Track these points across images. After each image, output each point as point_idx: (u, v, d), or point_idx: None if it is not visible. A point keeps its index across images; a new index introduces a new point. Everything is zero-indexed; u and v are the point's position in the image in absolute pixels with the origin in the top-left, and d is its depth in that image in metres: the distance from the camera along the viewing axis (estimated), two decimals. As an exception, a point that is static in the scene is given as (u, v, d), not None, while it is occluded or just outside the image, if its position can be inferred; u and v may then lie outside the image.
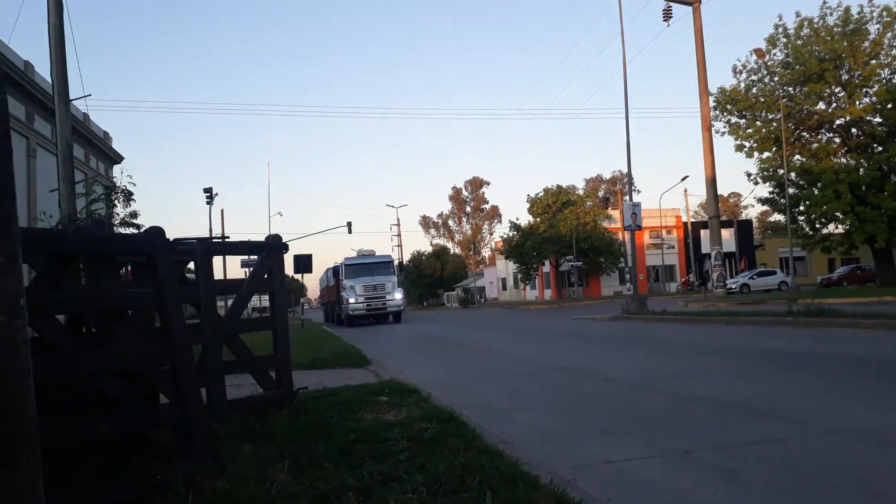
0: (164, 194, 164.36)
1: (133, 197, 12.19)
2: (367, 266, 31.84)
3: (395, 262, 33.60)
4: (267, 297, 6.26)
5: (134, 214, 12.08)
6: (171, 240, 4.86)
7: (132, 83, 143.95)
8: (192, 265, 5.48)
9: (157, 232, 4.71)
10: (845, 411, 5.03)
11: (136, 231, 10.93)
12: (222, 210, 50.20)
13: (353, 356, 10.98)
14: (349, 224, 46.43)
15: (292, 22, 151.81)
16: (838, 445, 4.08)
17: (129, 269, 5.45)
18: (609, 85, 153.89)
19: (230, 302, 6.04)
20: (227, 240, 6.41)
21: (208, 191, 41.95)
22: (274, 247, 5.88)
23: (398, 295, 32.15)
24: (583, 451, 4.33)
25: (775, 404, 5.46)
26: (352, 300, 30.60)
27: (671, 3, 28.02)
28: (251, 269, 6.58)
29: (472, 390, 7.60)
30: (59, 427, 3.69)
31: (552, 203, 57.51)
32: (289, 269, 28.46)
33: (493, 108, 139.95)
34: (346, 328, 29.12)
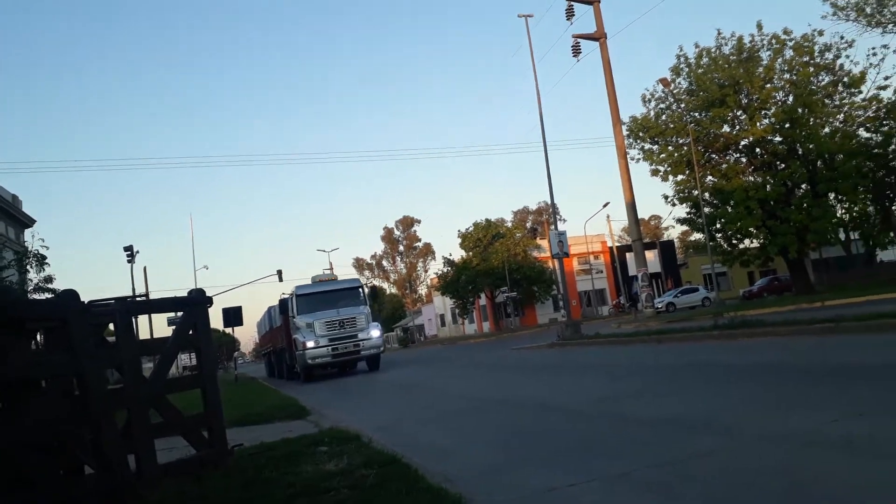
0: (82, 256, 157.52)
1: (47, 261, 11.66)
2: (327, 295, 22.46)
3: (367, 288, 24.02)
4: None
5: (49, 279, 11.54)
6: (86, 302, 4.66)
7: (42, 144, 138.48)
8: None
9: (70, 295, 4.51)
10: (772, 418, 5.22)
11: (52, 296, 10.39)
12: (145, 268, 48.50)
13: (292, 408, 10.69)
14: (279, 272, 45.01)
15: (208, 70, 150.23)
16: (768, 452, 4.22)
17: (43, 336, 5.18)
18: (529, 119, 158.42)
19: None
20: (145, 298, 6.20)
21: (129, 249, 40.51)
22: (197, 301, 5.72)
23: (375, 332, 22.16)
24: (524, 482, 4.32)
25: (707, 417, 5.62)
26: (310, 344, 21.04)
27: (579, 39, 29.27)
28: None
29: (415, 431, 7.51)
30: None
31: (483, 237, 58.29)
32: (219, 323, 27.45)
33: (418, 147, 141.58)
34: (300, 384, 21.45)
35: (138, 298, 6.75)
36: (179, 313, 6.49)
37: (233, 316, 25.55)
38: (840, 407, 5.11)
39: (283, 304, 23.85)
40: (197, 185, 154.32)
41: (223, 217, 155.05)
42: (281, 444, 6.43)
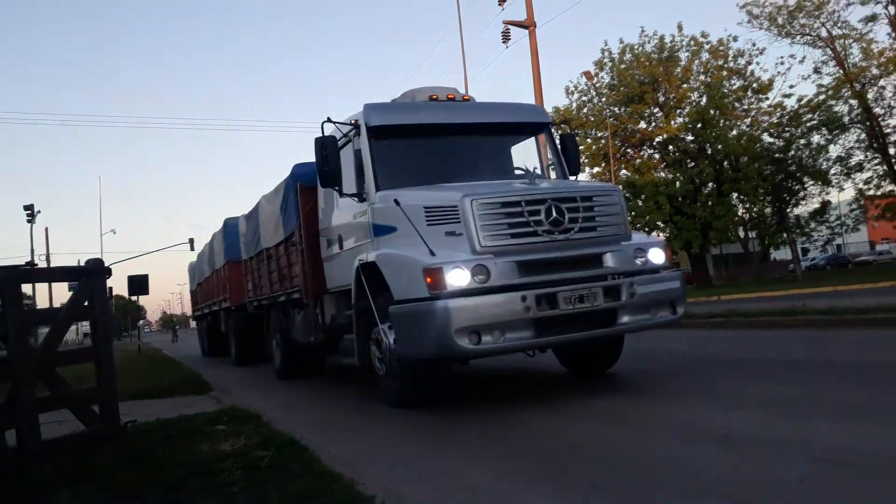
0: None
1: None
2: (466, 140, 7.38)
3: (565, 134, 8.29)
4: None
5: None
6: (-33, 269, 4.38)
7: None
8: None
9: (-51, 260, 4.23)
10: (657, 411, 5.49)
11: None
12: (46, 229, 45.82)
13: (194, 383, 10.38)
14: (191, 241, 42.84)
15: (117, 33, 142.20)
16: (652, 444, 4.45)
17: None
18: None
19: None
20: (35, 265, 5.88)
21: (29, 208, 38.18)
22: (94, 272, 5.46)
23: (658, 252, 6.29)
24: (426, 465, 4.38)
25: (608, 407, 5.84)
26: (458, 276, 5.36)
27: (510, 26, 29.45)
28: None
29: (318, 409, 7.48)
30: None
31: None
32: (124, 290, 26.09)
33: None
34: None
35: (33, 265, 6.36)
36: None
37: (138, 284, 24.43)
38: (723, 401, 5.43)
39: (330, 149, 6.75)
40: (109, 147, 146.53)
41: (135, 182, 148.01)
42: (177, 421, 6.26)
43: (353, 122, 7.04)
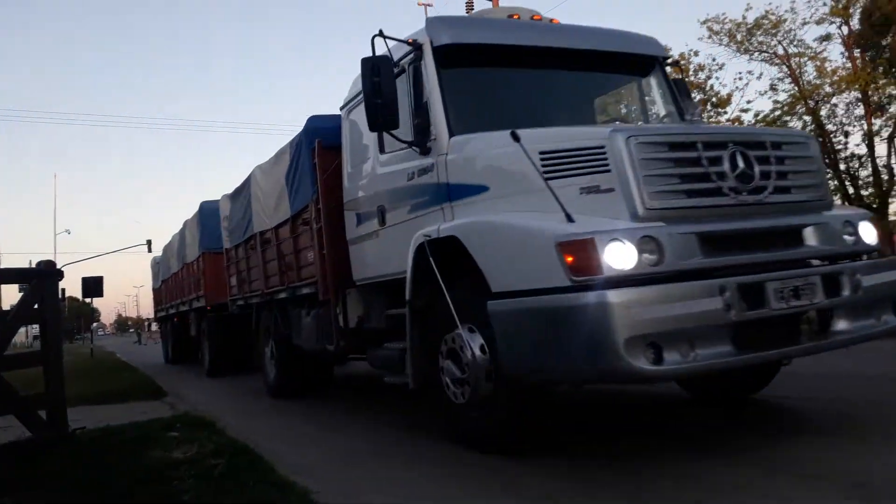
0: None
1: None
2: (563, 75, 5.63)
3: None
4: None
5: None
6: None
7: None
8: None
9: None
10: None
11: None
12: (-5, 226, 43.90)
13: (148, 388, 10.16)
14: (149, 242, 41.42)
15: (74, 26, 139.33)
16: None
17: None
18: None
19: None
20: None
21: (-23, 205, 36.90)
22: (46, 274, 5.34)
23: (870, 230, 4.41)
24: (387, 474, 4.31)
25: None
26: (622, 257, 3.45)
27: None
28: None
29: (276, 416, 7.38)
30: None
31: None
32: (78, 292, 25.46)
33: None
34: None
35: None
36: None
37: (93, 286, 23.96)
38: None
39: (384, 74, 4.68)
40: (64, 144, 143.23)
41: (92, 181, 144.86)
42: (129, 428, 6.12)
43: (410, 41, 5.11)
